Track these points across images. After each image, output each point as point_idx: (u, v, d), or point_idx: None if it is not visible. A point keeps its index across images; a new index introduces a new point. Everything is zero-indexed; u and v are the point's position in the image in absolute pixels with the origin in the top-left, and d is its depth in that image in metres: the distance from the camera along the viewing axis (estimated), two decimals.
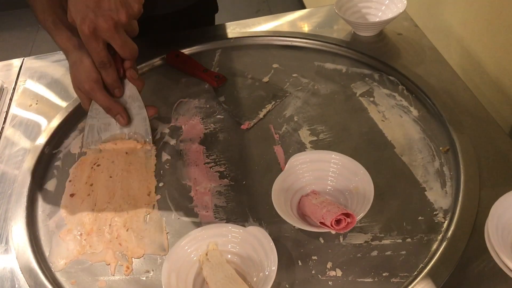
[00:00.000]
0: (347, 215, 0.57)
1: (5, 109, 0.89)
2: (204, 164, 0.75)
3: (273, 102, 0.83)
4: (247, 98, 0.86)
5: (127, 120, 0.76)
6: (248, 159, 0.75)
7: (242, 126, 0.80)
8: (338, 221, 0.57)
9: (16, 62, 1.00)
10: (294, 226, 0.64)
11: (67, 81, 0.93)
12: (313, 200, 0.62)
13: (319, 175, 0.66)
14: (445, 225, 0.62)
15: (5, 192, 0.74)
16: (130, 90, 0.76)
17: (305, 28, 0.98)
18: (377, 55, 0.88)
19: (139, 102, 0.77)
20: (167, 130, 0.82)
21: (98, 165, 0.75)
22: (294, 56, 0.93)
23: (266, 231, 0.59)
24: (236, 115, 0.82)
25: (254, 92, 0.86)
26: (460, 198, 0.64)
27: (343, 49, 0.91)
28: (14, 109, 0.89)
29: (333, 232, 0.58)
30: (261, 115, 0.82)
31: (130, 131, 0.78)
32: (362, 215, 0.59)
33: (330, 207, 0.59)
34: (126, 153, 0.76)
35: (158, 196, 0.71)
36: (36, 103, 0.90)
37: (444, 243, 0.60)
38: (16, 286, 0.62)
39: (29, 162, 0.77)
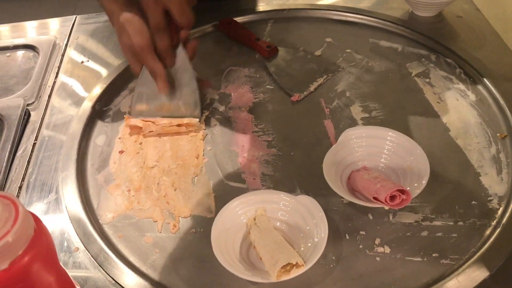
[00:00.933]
0: (402, 191, 0.56)
1: (57, 64, 0.90)
2: (253, 132, 0.75)
3: (325, 76, 0.82)
4: (298, 70, 0.84)
5: (168, 89, 0.74)
6: (297, 131, 0.74)
7: (292, 98, 0.79)
8: (392, 197, 0.56)
9: (68, 19, 1.01)
10: (343, 200, 0.64)
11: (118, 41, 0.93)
12: (365, 176, 0.61)
13: (373, 151, 0.65)
14: (499, 211, 0.61)
15: (56, 144, 0.75)
16: (182, 61, 0.74)
17: (362, 4, 0.95)
18: (435, 36, 0.86)
19: (190, 74, 0.75)
20: (216, 97, 0.81)
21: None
22: (349, 32, 0.91)
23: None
24: (286, 86, 0.81)
25: (305, 65, 0.85)
26: None
27: (399, 28, 0.89)
28: (66, 65, 0.90)
29: (386, 207, 0.57)
30: (311, 88, 0.80)
31: (179, 101, 0.76)
32: (417, 192, 0.58)
33: (384, 183, 0.58)
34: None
35: (206, 159, 0.71)
36: (88, 61, 0.91)
37: (498, 229, 0.58)
38: (66, 235, 0.63)
39: (79, 118, 0.78)
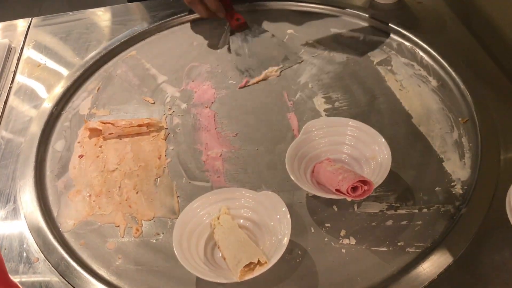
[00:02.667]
0: (364, 182, 0.56)
1: (13, 68, 0.87)
2: (216, 129, 0.74)
3: (281, 65, 0.81)
4: (257, 53, 0.84)
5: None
6: (261, 126, 0.73)
7: (241, 84, 0.79)
8: (354, 188, 0.56)
9: (23, 23, 0.98)
10: (307, 194, 0.63)
11: (76, 42, 0.91)
12: (328, 167, 0.61)
13: (335, 142, 0.64)
14: (463, 196, 0.61)
15: (13, 152, 0.73)
16: None
17: None
18: (395, 23, 0.85)
19: None
20: (177, 94, 0.80)
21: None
22: (310, 22, 0.90)
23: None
24: (239, 67, 0.82)
25: (266, 49, 0.85)
26: (478, 170, 0.63)
27: (360, 16, 0.88)
28: (22, 69, 0.87)
29: (349, 199, 0.57)
30: (261, 76, 0.80)
31: None
32: (379, 182, 0.57)
33: (346, 174, 0.57)
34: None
35: (169, 160, 0.70)
36: (45, 63, 0.88)
37: (462, 214, 0.58)
38: (25, 245, 0.61)
39: (37, 123, 0.76)
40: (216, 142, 0.72)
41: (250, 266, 0.51)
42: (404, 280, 0.53)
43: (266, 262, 0.51)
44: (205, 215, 0.58)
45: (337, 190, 0.57)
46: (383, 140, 0.61)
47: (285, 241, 0.53)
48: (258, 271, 0.51)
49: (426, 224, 0.59)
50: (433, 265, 0.54)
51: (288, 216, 0.55)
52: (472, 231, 0.57)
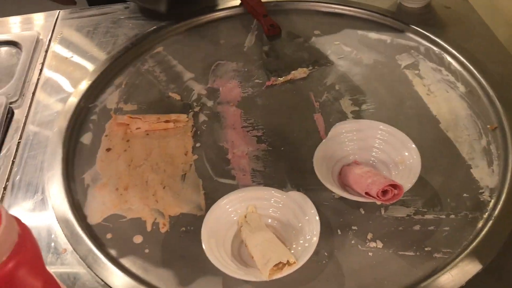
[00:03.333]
0: (394, 186, 0.56)
1: (41, 60, 0.88)
2: (242, 127, 0.74)
3: (310, 67, 0.81)
4: (288, 56, 0.85)
5: None
6: (287, 126, 0.74)
7: (267, 82, 0.79)
8: (384, 192, 0.56)
9: (51, 15, 0.99)
10: (334, 195, 0.63)
11: (103, 36, 0.91)
12: (356, 170, 0.61)
13: (364, 145, 0.64)
14: (491, 204, 0.61)
15: (41, 143, 0.73)
16: None
17: None
18: (423, 27, 0.85)
19: None
20: (204, 91, 0.80)
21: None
22: (337, 24, 0.90)
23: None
24: (268, 68, 0.82)
25: (297, 52, 0.85)
26: (508, 178, 0.62)
27: (388, 19, 0.88)
28: (51, 61, 0.88)
29: (378, 202, 0.57)
30: (290, 77, 0.80)
31: None
32: (408, 187, 0.57)
33: (376, 178, 0.57)
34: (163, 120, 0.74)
35: (195, 156, 0.70)
36: (72, 57, 0.88)
37: (490, 222, 0.58)
38: (53, 236, 0.62)
39: (64, 115, 0.76)
40: (242, 141, 0.72)
41: (278, 266, 0.52)
42: (431, 286, 0.53)
43: (294, 262, 0.51)
44: (233, 212, 0.58)
45: (366, 193, 0.57)
46: (413, 145, 0.61)
47: (314, 241, 0.53)
48: (287, 271, 0.51)
49: (454, 230, 0.59)
50: (461, 272, 0.54)
51: (317, 217, 0.55)
52: (501, 239, 0.56)
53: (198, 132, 0.74)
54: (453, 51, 0.80)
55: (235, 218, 0.58)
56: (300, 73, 0.80)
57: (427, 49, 0.83)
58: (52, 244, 0.61)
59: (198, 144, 0.72)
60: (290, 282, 0.55)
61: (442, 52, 0.81)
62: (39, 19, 0.98)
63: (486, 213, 0.60)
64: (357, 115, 0.73)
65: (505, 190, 0.61)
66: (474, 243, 0.56)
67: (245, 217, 0.58)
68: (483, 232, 0.57)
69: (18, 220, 0.40)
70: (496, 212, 0.59)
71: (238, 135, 0.73)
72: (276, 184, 0.65)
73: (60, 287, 0.45)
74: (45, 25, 0.96)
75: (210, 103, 0.78)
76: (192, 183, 0.67)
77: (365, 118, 0.72)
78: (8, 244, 0.38)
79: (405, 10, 0.90)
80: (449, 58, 0.80)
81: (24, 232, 0.40)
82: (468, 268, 0.54)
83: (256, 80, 0.81)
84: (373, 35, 0.87)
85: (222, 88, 0.81)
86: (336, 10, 0.92)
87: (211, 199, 0.64)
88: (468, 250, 0.56)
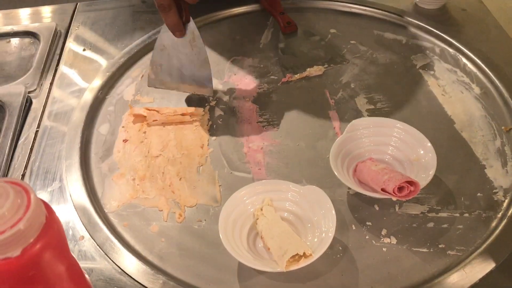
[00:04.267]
0: (410, 183, 0.56)
1: (58, 51, 0.89)
2: (257, 122, 0.75)
3: (326, 65, 0.82)
4: (305, 53, 0.85)
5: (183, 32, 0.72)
6: (302, 122, 0.74)
7: (283, 79, 0.80)
8: (400, 189, 0.56)
9: (69, 7, 1.00)
10: (349, 191, 0.64)
11: (121, 28, 0.92)
12: (372, 167, 0.61)
13: (379, 143, 0.65)
14: (505, 203, 0.61)
15: (59, 132, 0.74)
16: (193, 35, 0.72)
17: None
18: (439, 28, 0.86)
19: (201, 47, 0.73)
20: (220, 86, 0.81)
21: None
22: (353, 23, 0.91)
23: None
24: (284, 64, 0.83)
25: (314, 50, 0.86)
26: None
27: (404, 20, 0.89)
28: (68, 53, 0.89)
29: (394, 199, 0.57)
30: (305, 74, 0.81)
31: (191, 77, 0.75)
32: (424, 185, 0.58)
33: (392, 174, 0.58)
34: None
35: (211, 149, 0.71)
36: (90, 48, 0.89)
37: (504, 222, 0.59)
38: (70, 223, 0.63)
39: (82, 105, 0.77)
40: (257, 135, 0.73)
41: (294, 258, 0.52)
42: (445, 282, 0.54)
43: (311, 255, 0.52)
44: (249, 204, 0.59)
45: (382, 189, 0.57)
46: (429, 144, 0.62)
47: (330, 235, 0.53)
48: (304, 263, 0.52)
49: (468, 228, 0.59)
50: (475, 269, 0.54)
51: (333, 211, 0.56)
52: None
53: (214, 126, 0.74)
54: (468, 53, 0.81)
55: (251, 210, 0.59)
56: (315, 70, 0.81)
57: (442, 50, 0.83)
58: (70, 231, 0.62)
59: (214, 138, 0.73)
60: (304, 275, 0.56)
61: (458, 54, 0.82)
62: (57, 10, 0.99)
63: (500, 213, 0.60)
64: (372, 113, 0.74)
65: None
66: (488, 242, 0.57)
67: (262, 209, 0.59)
68: (497, 231, 0.58)
69: (45, 204, 0.41)
70: (510, 212, 0.60)
71: (254, 130, 0.74)
72: (291, 179, 0.65)
73: (82, 273, 0.46)
74: (63, 17, 0.97)
75: (226, 98, 0.79)
76: (208, 175, 0.67)
77: (380, 116, 0.73)
78: (36, 226, 0.39)
79: (421, 11, 0.91)
80: (464, 60, 0.81)
81: (50, 215, 0.41)
82: (482, 266, 0.55)
83: (272, 76, 0.82)
84: (389, 35, 0.87)
85: (238, 83, 0.81)
86: (353, 10, 0.93)
87: (226, 191, 0.65)
88: (481, 249, 0.56)
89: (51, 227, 0.40)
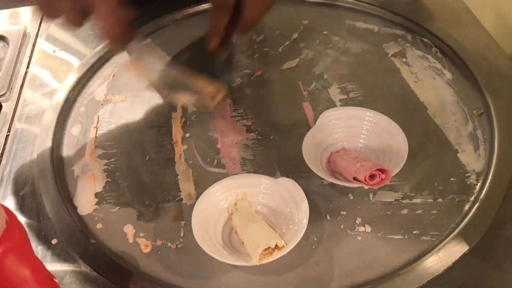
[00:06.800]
0: (382, 171, 0.56)
1: (28, 54, 0.88)
2: (231, 117, 0.74)
3: (299, 57, 0.81)
4: (278, 45, 0.85)
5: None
6: (276, 115, 0.74)
7: (256, 72, 0.80)
8: (371, 177, 0.56)
9: None
10: (323, 182, 0.64)
11: (90, 29, 0.91)
12: (345, 156, 0.61)
13: (352, 132, 0.65)
14: (477, 187, 0.61)
15: (30, 135, 0.73)
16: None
17: None
18: (410, 16, 0.86)
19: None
20: None
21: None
22: (325, 14, 0.90)
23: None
24: (258, 58, 0.82)
25: (286, 42, 0.86)
26: (493, 161, 0.63)
27: (375, 8, 0.89)
28: (38, 55, 0.87)
29: (366, 187, 0.57)
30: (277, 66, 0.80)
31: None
32: (396, 172, 0.58)
33: (364, 163, 0.58)
34: None
35: (185, 146, 0.70)
36: (59, 50, 0.88)
37: (477, 205, 0.59)
38: (43, 227, 0.62)
39: (53, 107, 0.76)
40: (231, 130, 0.72)
41: (268, 250, 0.52)
42: (420, 267, 0.54)
43: (284, 246, 0.52)
44: (223, 200, 0.59)
45: (354, 178, 0.57)
46: (401, 130, 0.62)
47: (303, 225, 0.53)
48: (277, 255, 0.52)
49: (441, 213, 0.59)
50: (449, 253, 0.55)
51: (306, 201, 0.55)
52: (487, 221, 0.57)
53: (188, 122, 0.74)
54: (440, 39, 0.81)
55: (225, 205, 0.58)
56: (289, 63, 0.81)
57: (414, 37, 0.83)
58: (43, 235, 0.61)
59: (187, 135, 0.72)
60: (280, 267, 0.55)
61: (429, 40, 0.82)
62: (26, 13, 0.98)
63: (473, 196, 0.60)
64: (346, 103, 0.74)
65: (491, 174, 0.62)
66: (461, 226, 0.57)
67: (236, 204, 0.59)
68: (470, 215, 0.58)
69: (5, 208, 0.41)
70: (482, 195, 0.60)
71: (228, 125, 0.73)
72: (266, 173, 0.65)
73: (49, 274, 0.45)
74: (32, 19, 0.96)
75: None
76: (182, 172, 0.67)
77: (354, 106, 0.73)
78: None
79: None
80: (435, 46, 0.81)
81: (11, 219, 0.40)
82: (455, 250, 0.55)
83: (245, 70, 0.81)
84: (361, 24, 0.87)
85: None
86: (325, 1, 0.92)
87: (201, 187, 0.64)
88: (455, 232, 0.57)
89: (12, 232, 0.39)
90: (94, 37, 0.89)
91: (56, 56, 0.87)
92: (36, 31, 0.93)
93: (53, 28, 0.93)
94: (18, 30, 0.92)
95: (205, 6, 0.93)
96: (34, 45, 0.90)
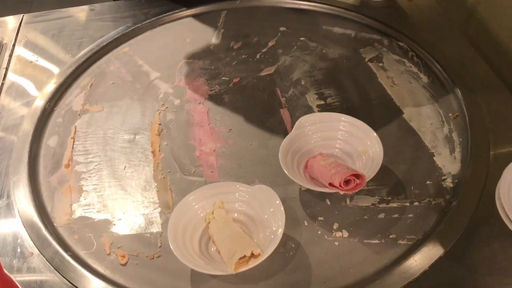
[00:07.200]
0: (356, 176, 0.57)
1: (4, 65, 0.87)
2: (209, 125, 0.74)
3: (275, 66, 0.82)
4: (256, 52, 0.85)
5: None
6: (254, 122, 0.74)
7: (235, 80, 0.80)
8: (347, 182, 0.56)
9: (15, 19, 0.97)
10: (300, 188, 0.64)
11: (68, 39, 0.91)
12: (321, 162, 0.61)
13: (328, 137, 0.65)
14: (453, 189, 0.62)
15: (6, 147, 0.72)
16: None
17: None
18: (386, 20, 0.87)
19: None
20: (171, 90, 0.80)
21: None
22: (302, 20, 0.91)
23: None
24: (236, 65, 0.83)
25: (263, 49, 0.86)
26: (468, 164, 0.64)
27: (352, 14, 0.89)
28: (15, 65, 0.87)
29: (342, 192, 0.57)
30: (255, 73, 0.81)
31: None
32: (371, 176, 0.58)
33: (339, 168, 0.58)
34: None
35: (162, 155, 0.70)
36: (37, 60, 0.87)
37: (452, 207, 0.59)
38: (19, 240, 0.61)
39: (30, 119, 0.75)
40: (209, 138, 0.72)
41: (244, 259, 0.52)
42: (396, 272, 0.54)
43: (260, 254, 0.52)
44: (199, 209, 0.58)
45: (330, 184, 0.57)
46: (375, 134, 0.62)
47: (279, 233, 0.53)
48: (253, 263, 0.51)
49: (418, 217, 0.60)
50: (425, 256, 0.55)
51: (282, 208, 0.55)
52: (462, 223, 0.58)
53: (166, 131, 0.74)
54: (416, 43, 0.82)
55: (201, 214, 0.58)
56: (266, 70, 0.81)
57: (390, 41, 0.84)
58: (18, 248, 0.60)
59: (165, 143, 0.72)
60: (258, 275, 0.55)
61: (405, 44, 0.83)
62: (2, 23, 0.97)
63: (448, 199, 0.61)
64: (323, 109, 0.74)
65: (466, 176, 0.62)
66: (437, 229, 0.58)
67: (213, 213, 0.58)
68: (446, 218, 0.59)
69: None
70: (458, 197, 0.60)
71: (206, 132, 0.73)
72: (244, 179, 0.66)
73: None
74: (9, 29, 0.95)
75: (177, 102, 0.78)
76: (160, 181, 0.66)
77: (331, 111, 0.73)
78: None
79: (369, 4, 0.91)
80: (411, 50, 0.82)
81: None
82: (431, 253, 0.55)
83: (223, 78, 0.81)
84: (338, 29, 0.88)
85: (189, 86, 0.81)
86: (302, 6, 0.93)
87: (179, 196, 0.63)
88: (431, 236, 0.57)
89: None
90: (70, 46, 0.88)
91: (35, 65, 0.86)
92: (13, 41, 0.92)
93: (31, 37, 0.92)
94: None
95: (185, 12, 0.93)
96: (11, 55, 0.89)
